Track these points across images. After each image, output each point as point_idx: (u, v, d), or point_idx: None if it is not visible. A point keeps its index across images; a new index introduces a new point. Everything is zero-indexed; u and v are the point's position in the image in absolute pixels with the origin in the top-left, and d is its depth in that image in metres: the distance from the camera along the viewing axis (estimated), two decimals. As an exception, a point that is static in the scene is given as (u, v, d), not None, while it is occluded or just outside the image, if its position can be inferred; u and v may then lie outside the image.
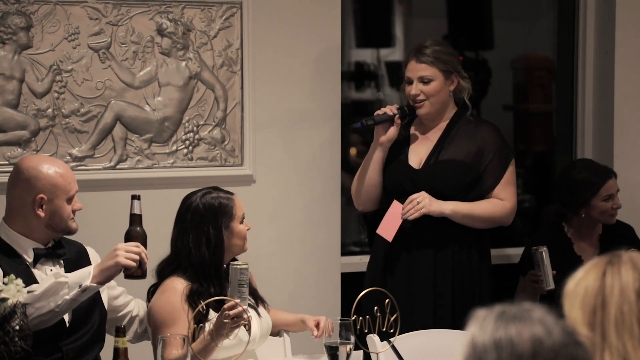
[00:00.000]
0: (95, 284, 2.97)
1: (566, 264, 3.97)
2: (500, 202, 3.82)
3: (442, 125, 3.89)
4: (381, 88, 5.31)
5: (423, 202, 3.71)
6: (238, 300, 2.92)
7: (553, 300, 3.88)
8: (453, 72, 3.84)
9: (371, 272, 3.92)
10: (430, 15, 5.25)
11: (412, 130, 3.95)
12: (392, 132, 3.84)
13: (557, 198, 4.25)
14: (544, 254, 3.88)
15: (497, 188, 3.83)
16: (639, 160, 4.62)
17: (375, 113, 3.86)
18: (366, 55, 5.28)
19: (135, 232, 3.07)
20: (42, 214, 3.10)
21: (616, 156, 4.57)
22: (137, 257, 2.99)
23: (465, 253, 3.82)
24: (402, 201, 3.77)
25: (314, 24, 4.26)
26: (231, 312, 2.90)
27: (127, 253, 2.99)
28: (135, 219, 3.08)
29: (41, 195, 3.09)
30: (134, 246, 3.02)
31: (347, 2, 4.63)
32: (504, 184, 3.84)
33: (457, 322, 3.63)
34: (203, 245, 3.20)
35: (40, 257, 3.11)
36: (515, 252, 4.60)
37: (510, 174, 3.86)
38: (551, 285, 3.89)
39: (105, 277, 2.99)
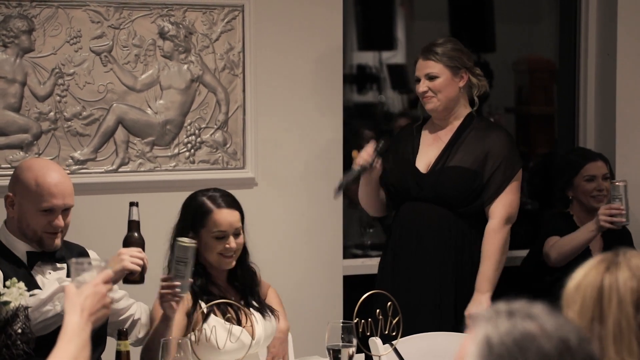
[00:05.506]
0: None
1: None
2: (491, 231, 3.77)
3: (454, 125, 3.88)
4: (383, 91, 5.31)
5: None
6: (171, 277, 2.94)
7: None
8: (462, 68, 3.84)
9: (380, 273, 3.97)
10: (432, 17, 5.25)
11: (424, 129, 3.95)
12: (377, 169, 3.84)
13: (553, 182, 4.31)
14: (625, 187, 3.80)
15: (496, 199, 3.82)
16: (641, 162, 4.62)
17: (355, 163, 3.80)
18: (368, 57, 5.28)
19: (134, 238, 3.08)
20: (13, 214, 3.12)
21: (618, 158, 4.57)
22: (141, 262, 3.01)
23: (468, 261, 3.84)
24: (412, 204, 3.82)
25: (316, 27, 4.26)
26: (162, 284, 2.92)
27: (132, 258, 3.00)
28: (134, 226, 3.09)
29: (11, 193, 3.11)
30: (137, 252, 3.03)
31: (348, 5, 4.63)
32: (506, 194, 3.80)
33: (459, 324, 3.65)
34: (172, 237, 3.17)
35: (35, 260, 3.11)
36: (518, 255, 4.59)
37: (515, 184, 3.83)
38: (629, 221, 3.83)
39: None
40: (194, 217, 3.20)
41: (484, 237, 3.79)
